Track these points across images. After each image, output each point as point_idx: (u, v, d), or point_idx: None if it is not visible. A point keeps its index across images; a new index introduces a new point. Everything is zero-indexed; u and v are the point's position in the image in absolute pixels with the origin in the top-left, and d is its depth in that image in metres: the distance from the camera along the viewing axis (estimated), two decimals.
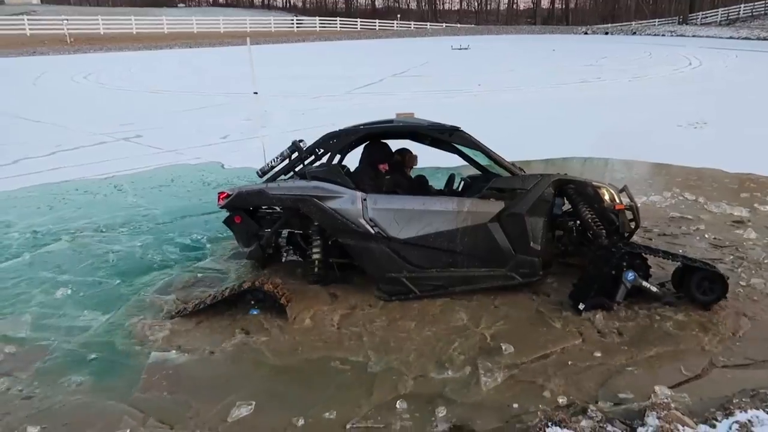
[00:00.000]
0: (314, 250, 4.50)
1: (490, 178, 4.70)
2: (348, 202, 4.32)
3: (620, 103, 13.99)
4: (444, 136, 4.65)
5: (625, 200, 4.79)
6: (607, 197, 4.60)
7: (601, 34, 51.97)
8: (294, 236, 4.83)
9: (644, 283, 4.14)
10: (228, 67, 24.43)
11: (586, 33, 53.32)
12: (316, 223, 4.45)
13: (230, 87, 17.58)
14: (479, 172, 5.19)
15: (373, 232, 4.30)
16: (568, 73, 20.30)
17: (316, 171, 4.56)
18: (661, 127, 10.88)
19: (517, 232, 4.31)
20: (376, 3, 75.34)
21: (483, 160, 5.10)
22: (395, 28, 56.86)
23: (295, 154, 4.71)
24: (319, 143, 4.69)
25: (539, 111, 12.76)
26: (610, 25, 57.11)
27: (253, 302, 4.17)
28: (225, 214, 4.72)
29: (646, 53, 28.65)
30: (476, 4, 77.66)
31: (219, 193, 4.71)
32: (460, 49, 32.89)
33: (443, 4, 78.33)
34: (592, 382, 3.35)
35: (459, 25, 60.36)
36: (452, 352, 3.66)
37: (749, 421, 2.82)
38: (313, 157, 4.74)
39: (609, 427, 2.88)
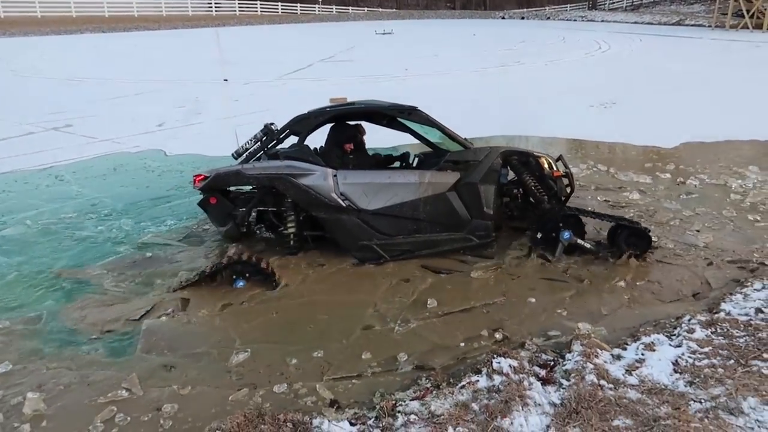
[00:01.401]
0: (289, 224, 4.83)
1: (440, 154, 5.21)
2: (320, 178, 4.69)
3: (538, 85, 14.93)
4: (404, 116, 5.10)
5: (562, 168, 5.42)
6: (546, 166, 5.22)
7: (518, 18, 53.95)
8: (266, 214, 5.07)
9: (579, 241, 4.83)
10: (146, 52, 23.75)
11: (503, 18, 55.17)
12: (289, 200, 4.77)
13: (152, 74, 17.21)
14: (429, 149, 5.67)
15: (344, 205, 4.71)
16: (489, 57, 21.24)
17: (289, 151, 4.91)
18: (576, 106, 11.81)
19: (472, 200, 4.85)
20: None
21: (433, 138, 5.60)
22: (317, 12, 56.44)
23: (266, 137, 5.04)
24: (290, 125, 5.01)
25: (464, 93, 13.44)
26: (525, 10, 59.29)
27: (234, 276, 4.50)
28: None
29: (560, 38, 30.21)
30: None
31: (194, 176, 4.95)
32: (384, 33, 33.35)
33: None
34: (524, 324, 3.95)
35: (381, 10, 60.70)
36: (401, 309, 4.18)
37: (652, 342, 3.48)
38: (281, 137, 5.05)
39: (543, 356, 3.47)
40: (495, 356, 3.37)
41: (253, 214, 5.06)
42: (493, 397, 3.00)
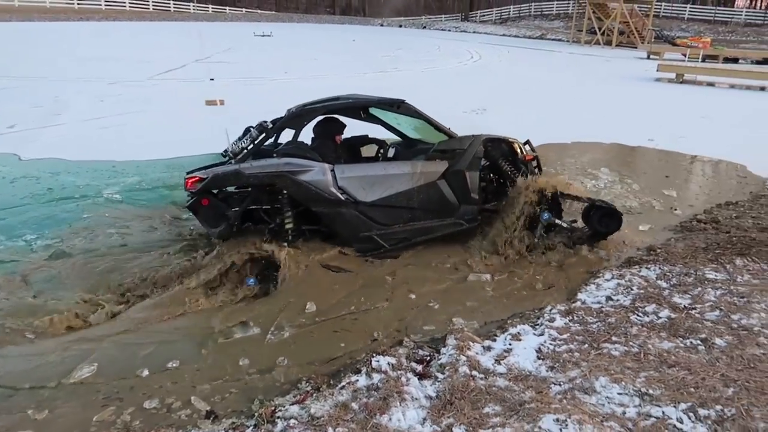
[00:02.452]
0: (287, 220, 4.84)
1: (413, 145, 5.60)
2: (319, 174, 4.77)
3: (415, 91, 15.41)
4: (393, 109, 5.30)
5: (530, 151, 5.65)
6: (518, 149, 5.48)
7: (396, 26, 55.42)
8: (256, 212, 4.99)
9: (557, 221, 5.15)
10: None
11: (382, 25, 56.40)
12: (285, 196, 4.78)
13: (4, 70, 15.59)
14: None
15: (343, 198, 4.82)
16: (368, 63, 21.62)
17: (285, 148, 4.96)
18: (451, 112, 12.33)
19: (460, 186, 5.10)
20: None
21: (406, 130, 5.87)
22: (192, 11, 54.22)
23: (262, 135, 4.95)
24: (284, 122, 5.04)
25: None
26: (403, 18, 61.05)
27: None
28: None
29: (436, 46, 31.47)
30: None
31: (187, 178, 4.71)
32: (263, 35, 32.79)
33: None
34: (403, 322, 4.06)
35: (260, 12, 59.64)
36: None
37: (518, 332, 3.72)
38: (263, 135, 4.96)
39: (420, 352, 3.59)
40: (374, 355, 3.43)
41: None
42: (372, 395, 3.05)
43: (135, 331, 3.89)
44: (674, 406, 2.78)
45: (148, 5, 51.37)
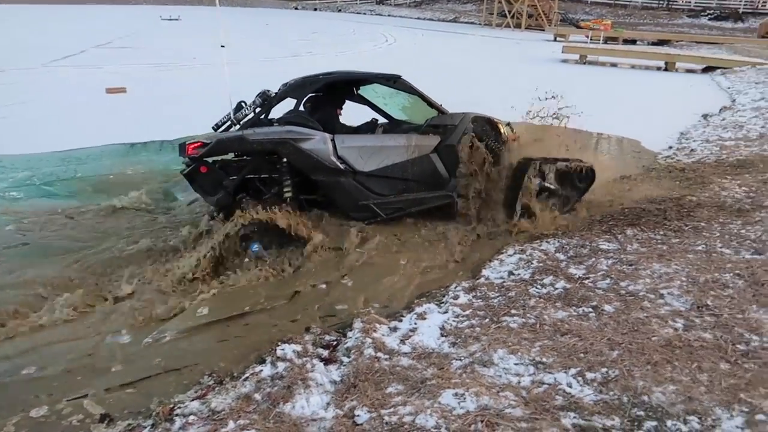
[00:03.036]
0: (285, 189, 4.87)
1: (399, 126, 5.85)
2: (320, 142, 4.86)
3: None
4: (389, 84, 5.46)
5: (511, 132, 5.82)
6: (503, 130, 5.67)
7: (311, 9, 54.52)
8: (252, 182, 4.97)
9: (546, 184, 5.57)
10: None
11: (296, 8, 55.33)
12: (285, 165, 4.82)
13: None
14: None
15: (342, 167, 4.93)
16: (282, 47, 21.17)
17: (288, 116, 5.02)
18: None
19: (451, 160, 5.29)
20: None
21: (393, 111, 6.14)
22: None
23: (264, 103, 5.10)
24: (286, 91, 5.15)
25: (255, 82, 13.20)
26: (318, 1, 60.11)
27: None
28: None
29: (351, 30, 31.25)
30: None
31: (187, 145, 4.66)
32: (171, 19, 31.36)
33: None
34: (309, 308, 4.04)
35: None
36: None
37: (424, 311, 3.79)
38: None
39: (327, 337, 3.58)
40: (279, 344, 3.39)
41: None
42: (276, 384, 3.01)
43: (23, 334, 3.64)
44: (565, 372, 2.92)
45: None
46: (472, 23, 42.02)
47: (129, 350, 3.53)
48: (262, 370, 3.15)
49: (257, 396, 2.91)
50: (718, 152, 8.10)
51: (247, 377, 3.09)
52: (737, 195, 5.98)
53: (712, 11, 41.87)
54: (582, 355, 3.07)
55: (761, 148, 8.17)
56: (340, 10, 53.51)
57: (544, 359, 3.06)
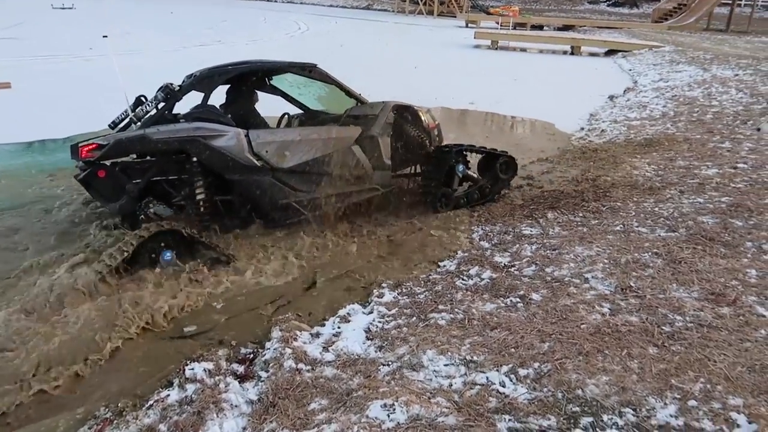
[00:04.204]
0: (198, 191, 4.48)
1: (315, 116, 5.64)
2: (233, 139, 4.45)
3: None
4: (304, 73, 5.12)
5: (432, 120, 5.63)
6: (423, 118, 5.43)
7: None
8: (160, 184, 4.55)
9: (469, 172, 5.48)
10: None
11: None
12: (196, 165, 4.40)
13: None
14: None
15: (258, 165, 4.53)
16: (188, 37, 20.09)
17: (196, 112, 4.55)
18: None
19: (374, 152, 5.08)
20: None
21: (308, 101, 5.92)
22: None
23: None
24: (193, 84, 4.67)
25: (159, 74, 12.40)
26: None
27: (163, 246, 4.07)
28: None
29: (262, 18, 30.27)
30: None
31: (80, 146, 4.12)
32: (63, 8, 29.10)
33: None
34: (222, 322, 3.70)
35: None
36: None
37: (348, 313, 3.56)
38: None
39: (242, 350, 3.27)
40: (188, 363, 3.05)
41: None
42: (185, 410, 2.68)
43: None
44: (497, 370, 2.78)
45: None
46: (385, 11, 41.96)
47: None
48: (168, 395, 2.81)
49: (162, 427, 2.58)
50: (626, 132, 8.37)
51: (151, 405, 2.75)
52: (647, 173, 6.14)
53: None
54: (513, 350, 2.95)
55: (665, 126, 8.52)
56: None
57: (475, 357, 2.91)
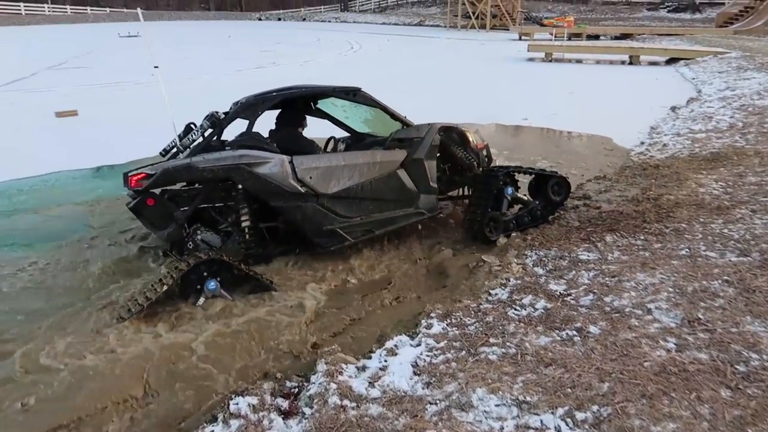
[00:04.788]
0: (243, 218, 4.52)
1: (362, 139, 5.59)
2: (277, 165, 4.46)
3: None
4: (348, 97, 5.15)
5: (480, 140, 5.59)
6: (471, 139, 5.39)
7: (275, 20, 54.09)
8: (207, 212, 4.65)
9: (518, 195, 5.32)
10: None
11: (260, 19, 54.85)
12: (241, 192, 4.46)
13: None
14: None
15: (303, 191, 4.53)
16: (245, 59, 20.72)
17: (240, 139, 4.63)
18: None
19: (419, 175, 5.00)
20: None
21: (355, 124, 5.87)
22: (47, 12, 49.73)
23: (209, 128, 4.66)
24: (237, 112, 4.71)
25: (214, 98, 12.76)
26: (281, 11, 59.73)
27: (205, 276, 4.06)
28: None
29: (315, 39, 30.89)
30: None
31: (130, 176, 4.26)
32: (129, 36, 30.61)
33: None
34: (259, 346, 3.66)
35: (126, 11, 55.77)
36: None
37: (395, 345, 3.45)
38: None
39: (288, 383, 3.22)
40: (233, 396, 3.01)
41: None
42: None
43: None
44: (552, 413, 2.60)
45: None
46: (437, 26, 42.07)
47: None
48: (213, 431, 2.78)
49: None
50: (690, 146, 7.95)
51: None
52: (715, 191, 5.78)
53: (670, 3, 42.62)
54: (569, 390, 2.76)
55: (732, 139, 8.05)
56: (304, 19, 53.23)
57: (528, 397, 2.74)
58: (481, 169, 5.47)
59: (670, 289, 3.71)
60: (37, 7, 49.49)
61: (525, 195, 5.53)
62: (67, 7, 52.00)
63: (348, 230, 4.81)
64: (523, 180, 5.63)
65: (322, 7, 60.57)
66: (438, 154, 5.21)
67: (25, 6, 48.17)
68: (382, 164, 4.91)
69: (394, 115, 5.23)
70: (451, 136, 5.37)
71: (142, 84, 14.73)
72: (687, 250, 4.35)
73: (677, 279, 3.85)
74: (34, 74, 16.35)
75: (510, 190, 5.33)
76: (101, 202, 6.26)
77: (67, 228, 5.53)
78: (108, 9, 55.49)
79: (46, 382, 3.20)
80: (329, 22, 49.32)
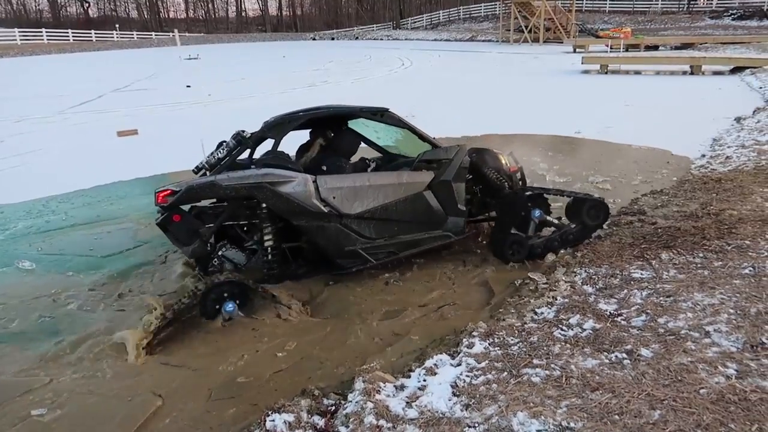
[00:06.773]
0: (266, 237, 4.54)
1: (393, 160, 5.47)
2: (300, 185, 4.45)
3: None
4: (376, 117, 5.06)
5: (514, 162, 5.48)
6: (503, 161, 5.31)
7: (328, 39, 55.22)
8: (232, 229, 4.74)
9: (547, 218, 5.14)
10: None
11: (314, 39, 56.10)
12: (264, 211, 4.48)
13: None
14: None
15: (326, 211, 4.51)
16: (297, 79, 21.16)
17: (265, 159, 4.64)
18: None
19: (446, 197, 4.92)
20: (90, 12, 68.68)
21: (385, 144, 5.79)
22: (115, 39, 52.55)
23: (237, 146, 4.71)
24: (263, 131, 4.78)
25: (265, 115, 13.07)
26: (335, 30, 60.96)
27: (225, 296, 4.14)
28: None
29: (367, 56, 31.30)
30: (203, 12, 75.85)
31: (157, 192, 4.37)
32: (190, 58, 31.85)
33: (168, 12, 74.89)
34: (303, 365, 3.64)
35: (188, 35, 58.32)
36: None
37: (435, 364, 3.35)
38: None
39: (325, 401, 3.18)
40: (269, 413, 3.00)
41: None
42: None
43: None
44: None
45: (68, 37, 49.44)
46: (489, 41, 41.85)
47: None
48: None
49: None
50: (756, 158, 7.52)
51: None
52: None
53: (735, 11, 40.87)
54: (617, 417, 2.60)
55: None
56: (357, 38, 54.07)
57: (572, 423, 2.60)
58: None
59: (731, 311, 3.46)
60: (106, 34, 52.39)
61: (559, 218, 5.36)
62: (134, 33, 54.82)
63: (371, 251, 4.75)
64: (559, 202, 5.44)
65: (374, 25, 61.43)
66: (469, 176, 5.13)
67: (96, 33, 51.06)
68: (407, 185, 4.84)
69: (422, 136, 5.15)
70: (483, 158, 5.26)
71: (199, 104, 15.27)
72: (751, 268, 4.07)
73: (739, 300, 3.60)
74: (101, 96, 17.20)
75: (537, 212, 5.14)
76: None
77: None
78: (171, 33, 58.09)
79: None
80: (381, 40, 49.89)
